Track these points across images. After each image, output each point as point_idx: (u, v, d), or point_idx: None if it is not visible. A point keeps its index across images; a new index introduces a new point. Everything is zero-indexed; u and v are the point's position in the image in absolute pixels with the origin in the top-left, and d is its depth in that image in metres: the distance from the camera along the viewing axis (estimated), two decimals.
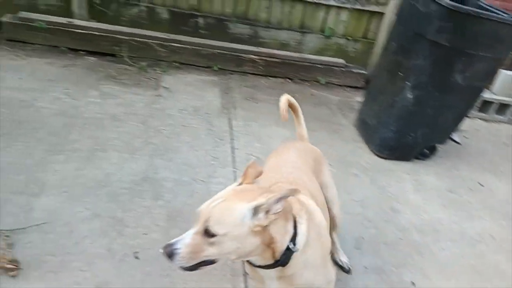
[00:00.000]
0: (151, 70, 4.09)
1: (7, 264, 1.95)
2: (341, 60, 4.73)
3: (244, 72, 4.45)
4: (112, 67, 3.99)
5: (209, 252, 1.33)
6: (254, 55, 4.43)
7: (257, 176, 1.48)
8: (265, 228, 1.33)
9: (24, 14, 4.03)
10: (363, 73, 4.71)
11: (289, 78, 4.56)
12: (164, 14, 4.40)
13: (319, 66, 4.60)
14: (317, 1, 4.50)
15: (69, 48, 4.05)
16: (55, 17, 4.08)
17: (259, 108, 3.86)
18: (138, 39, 4.17)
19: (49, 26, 3.98)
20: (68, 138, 2.89)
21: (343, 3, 4.55)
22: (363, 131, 3.79)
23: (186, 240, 1.33)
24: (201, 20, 4.47)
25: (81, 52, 4.06)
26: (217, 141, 3.26)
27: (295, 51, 4.69)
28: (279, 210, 1.31)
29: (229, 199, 1.34)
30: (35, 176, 2.49)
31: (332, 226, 2.12)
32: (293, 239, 1.41)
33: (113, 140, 2.99)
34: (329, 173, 2.11)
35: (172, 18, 4.42)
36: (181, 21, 4.44)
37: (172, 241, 1.34)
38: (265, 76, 4.49)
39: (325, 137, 3.64)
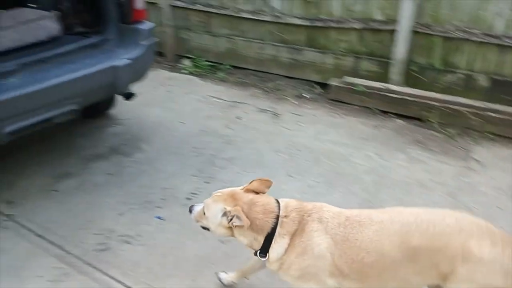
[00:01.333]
0: (461, 139, 3.86)
1: None
2: None
3: None
4: (419, 131, 4.01)
5: (204, 222, 1.87)
6: None
7: (261, 190, 1.81)
8: (230, 228, 1.75)
9: (347, 78, 4.66)
10: None
11: None
12: (483, 81, 4.11)
13: None
14: None
15: (380, 110, 4.36)
16: (373, 82, 4.51)
17: None
18: (451, 106, 4.05)
19: (366, 90, 4.44)
20: (377, 196, 3.05)
21: None
22: None
23: (198, 207, 1.90)
24: None
25: (390, 114, 4.29)
26: None
27: None
28: (236, 224, 1.69)
29: (222, 195, 1.79)
30: None
31: None
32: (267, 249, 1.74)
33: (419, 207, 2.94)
34: None
35: (492, 86, 4.07)
36: (502, 89, 4.03)
37: (195, 204, 1.94)
38: None
39: None
